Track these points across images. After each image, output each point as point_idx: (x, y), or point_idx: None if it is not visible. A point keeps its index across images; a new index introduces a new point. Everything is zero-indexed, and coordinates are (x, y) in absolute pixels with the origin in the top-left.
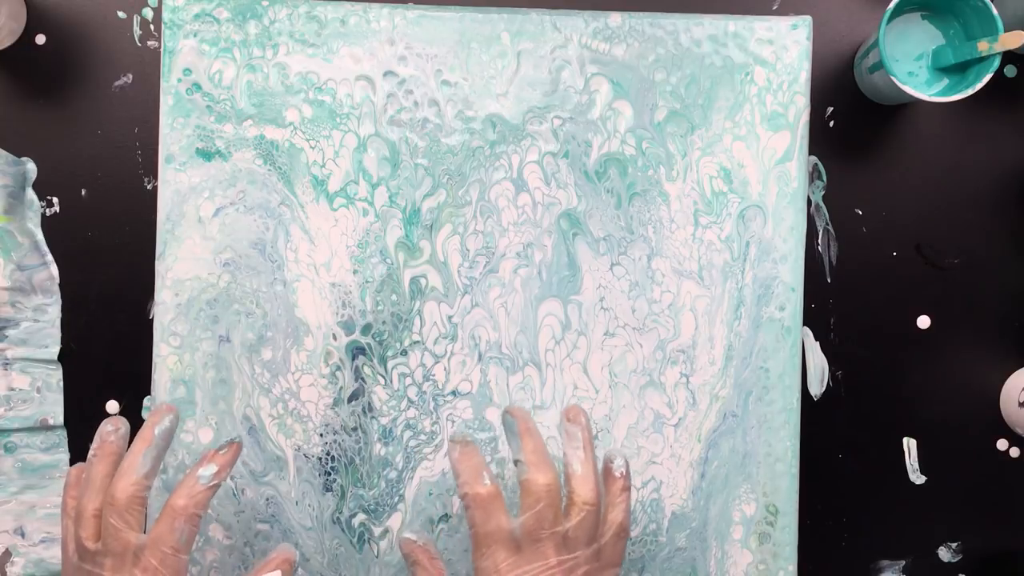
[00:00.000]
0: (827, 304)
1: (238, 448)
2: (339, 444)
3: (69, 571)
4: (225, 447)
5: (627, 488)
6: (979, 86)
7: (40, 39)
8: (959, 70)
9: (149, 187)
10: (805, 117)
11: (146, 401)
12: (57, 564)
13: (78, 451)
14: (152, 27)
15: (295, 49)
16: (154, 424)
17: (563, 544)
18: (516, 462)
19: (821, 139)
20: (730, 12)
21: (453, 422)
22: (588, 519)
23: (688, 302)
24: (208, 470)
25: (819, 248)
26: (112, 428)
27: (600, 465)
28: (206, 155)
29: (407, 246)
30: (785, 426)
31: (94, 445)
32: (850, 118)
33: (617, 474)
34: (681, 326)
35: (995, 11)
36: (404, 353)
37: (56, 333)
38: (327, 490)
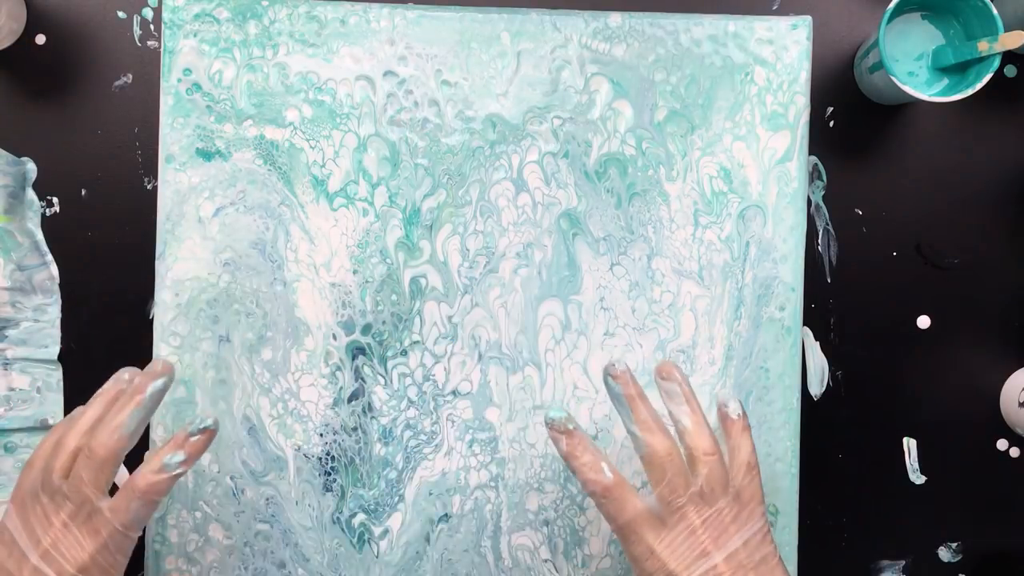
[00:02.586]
0: (827, 304)
1: (210, 436)
2: (339, 444)
3: (24, 491)
4: (197, 433)
5: (746, 428)
6: (979, 86)
7: (40, 39)
8: (959, 70)
9: (149, 187)
10: (805, 117)
11: None
12: None
13: None
14: (152, 27)
15: (295, 49)
16: (147, 384)
17: (702, 501)
18: (629, 432)
19: (821, 139)
20: (730, 12)
21: (453, 422)
22: (715, 469)
23: (688, 302)
24: (175, 457)
25: (819, 248)
26: (127, 377)
27: (714, 413)
28: (206, 155)
29: (407, 246)
30: (785, 426)
31: (104, 387)
32: (850, 118)
33: (734, 416)
34: (681, 326)
35: (995, 11)
36: (404, 353)
37: (56, 333)
38: (327, 490)
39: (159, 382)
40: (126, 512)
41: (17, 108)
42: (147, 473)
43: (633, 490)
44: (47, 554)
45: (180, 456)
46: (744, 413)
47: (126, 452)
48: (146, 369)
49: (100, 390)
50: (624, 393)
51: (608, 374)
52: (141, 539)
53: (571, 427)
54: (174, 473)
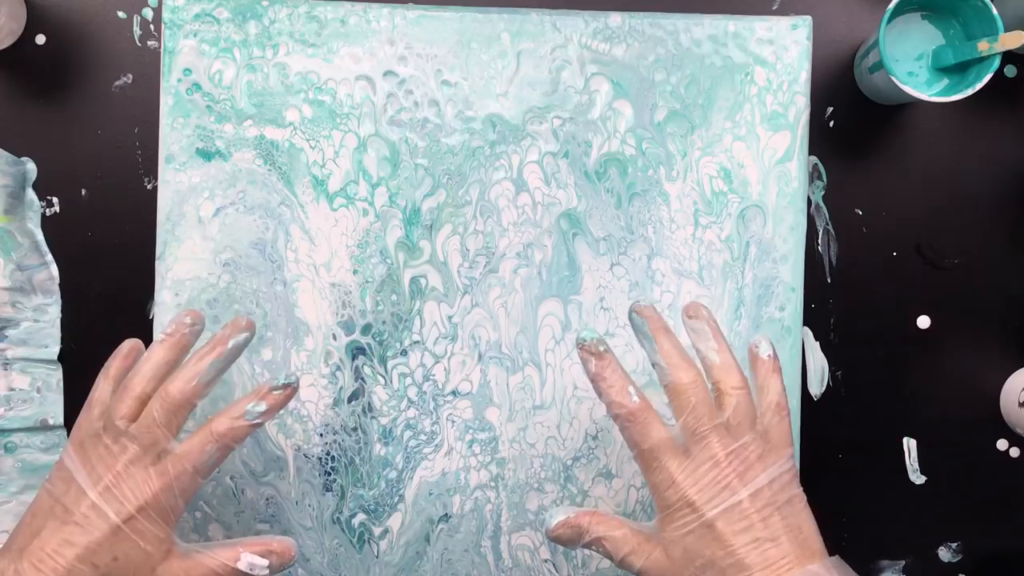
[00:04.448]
0: (827, 304)
1: (291, 392)
2: (339, 444)
3: (84, 432)
4: (280, 388)
5: (777, 369)
6: (979, 86)
7: (40, 39)
8: (959, 70)
9: (149, 187)
10: (805, 117)
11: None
12: None
13: None
14: (152, 27)
15: (295, 49)
16: (229, 337)
17: (728, 434)
18: (654, 364)
19: (821, 139)
20: (730, 12)
21: (453, 422)
22: (743, 403)
23: (688, 302)
24: (257, 407)
25: (819, 248)
26: (190, 321)
27: (744, 354)
28: (206, 155)
29: (407, 246)
30: None
31: (166, 330)
32: (850, 118)
33: (764, 356)
34: (681, 326)
35: (995, 11)
36: (404, 353)
37: (56, 333)
38: (327, 490)
39: (241, 337)
40: (200, 454)
41: (17, 108)
42: (227, 418)
43: (658, 417)
44: (107, 491)
45: (262, 407)
46: (775, 355)
47: (200, 401)
48: (230, 322)
49: (162, 335)
50: (649, 326)
51: (633, 310)
52: None
53: (602, 349)
54: (254, 422)
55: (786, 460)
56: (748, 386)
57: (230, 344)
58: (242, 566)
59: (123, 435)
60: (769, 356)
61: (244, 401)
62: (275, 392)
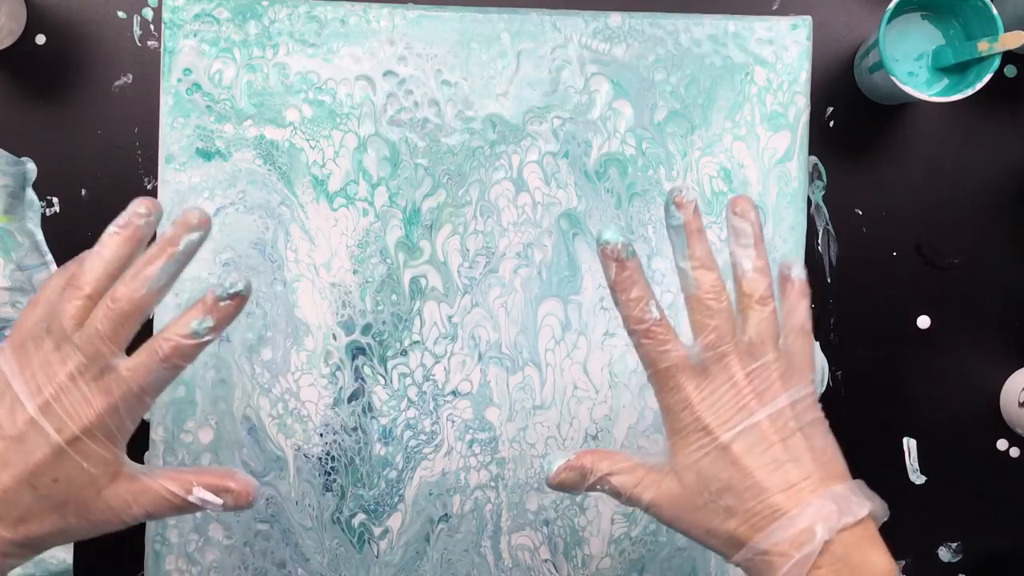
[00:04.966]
0: (827, 304)
1: (241, 302)
2: (339, 444)
3: (25, 333)
4: (227, 298)
5: (806, 294)
6: (979, 86)
7: (40, 39)
8: (959, 70)
9: (149, 187)
10: (805, 117)
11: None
12: (56, 564)
13: None
14: (152, 27)
15: (295, 49)
16: (180, 236)
17: (748, 353)
18: (679, 268)
19: (821, 139)
20: (730, 12)
21: (453, 422)
22: (767, 319)
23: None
24: (204, 323)
25: (819, 248)
26: (144, 211)
27: (775, 273)
28: (206, 155)
29: (407, 246)
30: None
31: (118, 222)
32: (850, 118)
33: (795, 279)
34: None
35: (995, 11)
36: (404, 353)
37: None
38: (327, 490)
39: (195, 235)
40: (146, 374)
41: (17, 108)
42: (173, 335)
43: (677, 335)
44: (47, 406)
45: (209, 322)
46: (806, 279)
47: (152, 309)
48: (180, 219)
49: (113, 227)
50: (685, 223)
51: (672, 200)
52: (138, 531)
53: (625, 255)
54: (202, 340)
55: (808, 384)
56: (775, 303)
57: (181, 245)
58: (193, 499)
59: (67, 341)
60: (801, 279)
61: (189, 315)
62: (223, 303)
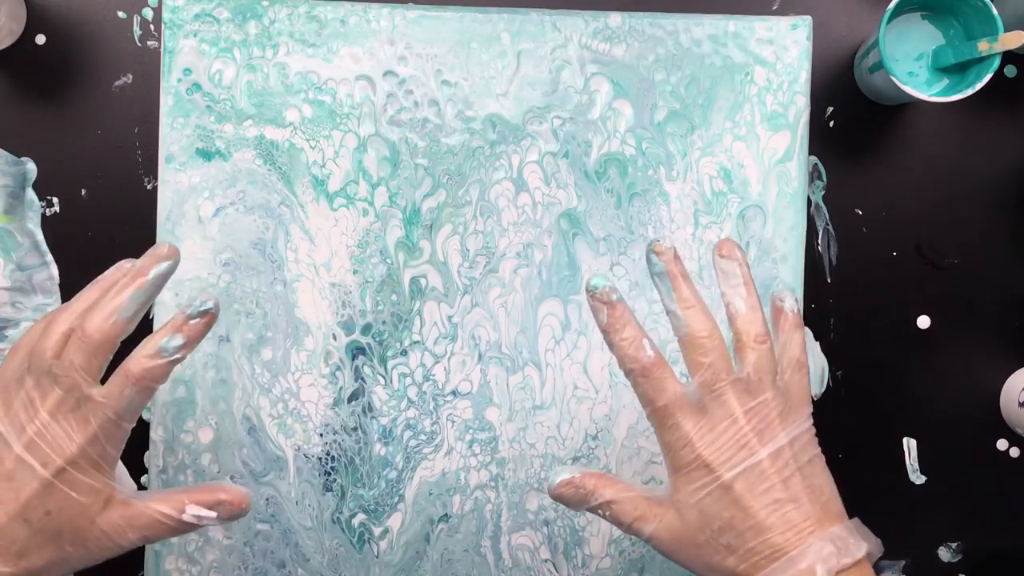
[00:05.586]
0: (827, 304)
1: (211, 320)
2: (339, 444)
3: (7, 378)
4: (197, 316)
5: (800, 325)
6: (979, 86)
7: (40, 39)
8: (959, 70)
9: (149, 187)
10: (805, 117)
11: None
12: None
13: None
14: (152, 27)
15: (295, 49)
16: (150, 267)
17: (746, 391)
18: (668, 312)
19: (821, 139)
20: (730, 12)
21: (453, 422)
22: (765, 357)
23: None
24: (172, 341)
25: (819, 248)
26: (129, 266)
27: (767, 307)
28: (206, 155)
29: (407, 246)
30: None
31: (103, 274)
32: (850, 118)
33: (788, 311)
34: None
35: (995, 11)
36: (404, 353)
37: None
38: (327, 490)
39: (163, 265)
40: (119, 399)
41: (17, 108)
42: (142, 358)
43: (673, 373)
44: (32, 444)
45: (178, 340)
46: (799, 309)
47: (121, 339)
48: (149, 251)
49: (99, 278)
50: (667, 269)
51: (651, 250)
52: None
53: (614, 298)
54: (172, 359)
55: (806, 419)
56: (771, 340)
57: (151, 275)
58: (187, 518)
59: (45, 375)
60: (793, 311)
61: (159, 335)
62: (192, 322)
